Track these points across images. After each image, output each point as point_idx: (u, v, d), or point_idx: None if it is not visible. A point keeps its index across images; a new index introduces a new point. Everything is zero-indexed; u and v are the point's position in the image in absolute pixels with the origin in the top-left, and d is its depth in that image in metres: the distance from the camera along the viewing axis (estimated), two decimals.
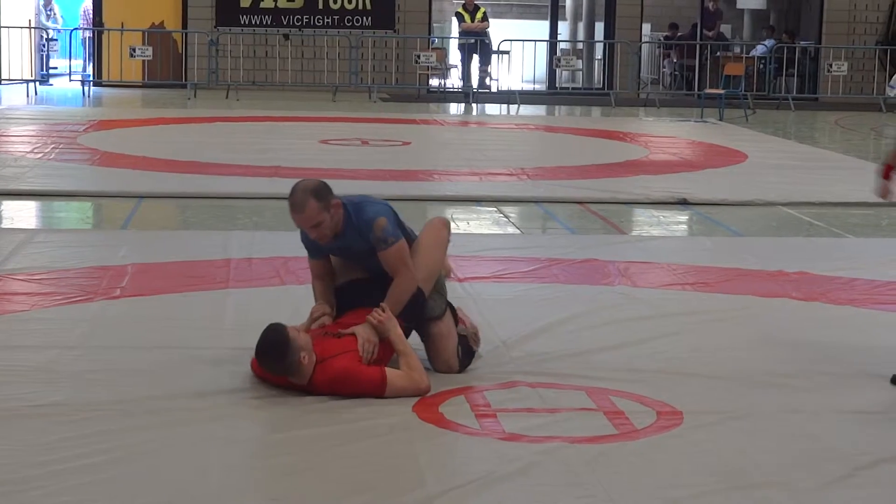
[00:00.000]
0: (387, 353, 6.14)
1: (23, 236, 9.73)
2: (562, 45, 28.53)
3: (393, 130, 18.34)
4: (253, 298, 7.90)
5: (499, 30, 27.09)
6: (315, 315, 6.33)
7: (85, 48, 27.82)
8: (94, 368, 6.35)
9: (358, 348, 6.03)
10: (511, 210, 11.95)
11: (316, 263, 6.49)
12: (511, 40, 25.94)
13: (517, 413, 5.80)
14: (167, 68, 25.70)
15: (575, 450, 5.33)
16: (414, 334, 6.42)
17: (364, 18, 26.18)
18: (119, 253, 9.13)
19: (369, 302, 6.24)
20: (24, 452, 5.15)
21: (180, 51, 26.03)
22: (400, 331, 6.16)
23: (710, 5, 28.16)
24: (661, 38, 29.96)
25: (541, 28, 28.69)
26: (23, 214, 11.56)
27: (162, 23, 26.18)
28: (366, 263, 6.39)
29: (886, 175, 6.66)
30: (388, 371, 6.00)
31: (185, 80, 25.39)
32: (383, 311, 6.14)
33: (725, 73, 24.22)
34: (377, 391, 5.92)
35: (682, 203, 12.35)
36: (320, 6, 26.08)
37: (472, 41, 25.96)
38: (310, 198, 6.13)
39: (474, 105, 24.40)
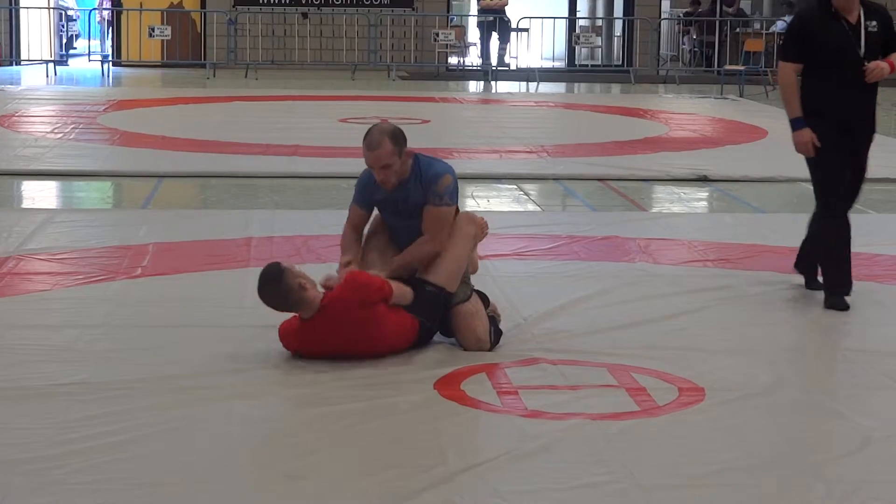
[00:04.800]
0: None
1: (44, 216, 9.75)
2: (581, 23, 28.45)
3: (412, 109, 18.32)
4: None
5: (517, 7, 27.02)
6: (342, 262, 6.44)
7: (102, 28, 27.83)
8: (117, 347, 6.38)
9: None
10: (531, 187, 11.94)
11: (357, 212, 6.56)
12: (530, 17, 25.88)
13: (539, 390, 5.80)
14: (186, 48, 25.71)
15: (597, 426, 5.33)
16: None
17: None
18: (140, 232, 9.15)
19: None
20: (47, 431, 5.17)
21: (199, 30, 26.04)
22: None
23: None
24: (681, 15, 29.83)
25: (560, 5, 28.58)
26: (43, 194, 11.59)
27: (181, 2, 26.19)
28: (412, 223, 6.40)
29: None
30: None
31: (204, 59, 25.40)
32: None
33: (745, 49, 24.14)
34: (385, 288, 6.12)
35: (703, 179, 12.32)
36: None
37: (491, 19, 25.91)
38: (385, 138, 6.30)
39: (493, 83, 24.36)
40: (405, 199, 6.40)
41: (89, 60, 26.01)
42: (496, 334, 6.44)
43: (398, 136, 6.35)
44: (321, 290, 6.17)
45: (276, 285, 6.06)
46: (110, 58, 25.71)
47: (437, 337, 6.45)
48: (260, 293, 6.13)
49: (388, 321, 6.16)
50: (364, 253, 6.54)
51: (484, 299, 6.59)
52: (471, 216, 6.62)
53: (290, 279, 6.04)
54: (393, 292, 6.18)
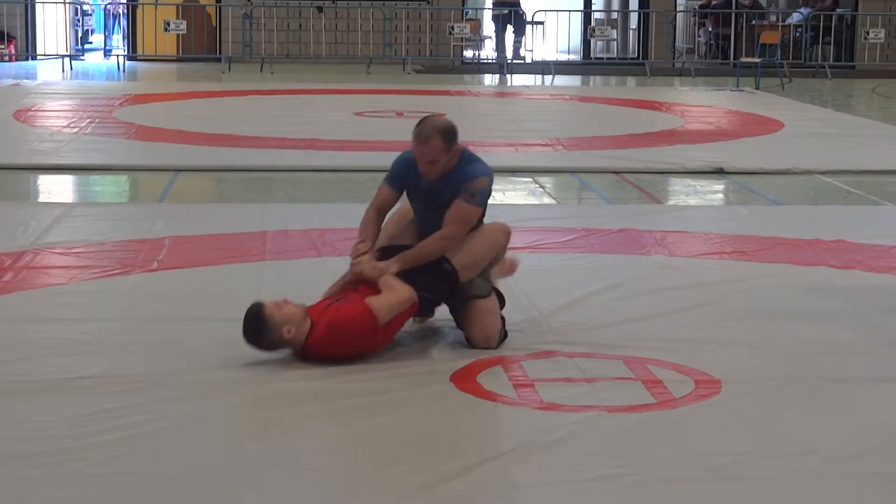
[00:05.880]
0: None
1: (60, 210, 9.77)
2: (596, 15, 28.41)
3: (427, 102, 18.30)
4: (289, 271, 7.91)
5: (533, 0, 27.00)
6: (356, 253, 6.31)
7: (108, 22, 27.79)
8: (133, 341, 6.38)
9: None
10: (546, 180, 11.93)
11: (387, 192, 6.44)
12: (545, 10, 25.85)
13: (555, 383, 5.80)
14: (201, 42, 25.72)
15: (613, 419, 5.32)
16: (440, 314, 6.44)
17: None
18: (156, 226, 9.16)
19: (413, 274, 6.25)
20: (63, 424, 5.18)
21: (214, 24, 26.05)
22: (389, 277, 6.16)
23: None
24: (697, 7, 29.78)
25: None
26: (60, 188, 11.62)
27: None
28: (440, 215, 6.29)
29: None
30: (369, 300, 6.02)
31: (220, 53, 25.42)
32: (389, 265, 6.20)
33: (761, 41, 24.06)
34: (370, 321, 5.95)
35: (719, 172, 12.30)
36: None
37: (506, 12, 25.88)
38: (437, 135, 6.20)
39: (509, 76, 24.33)
40: (440, 192, 6.29)
41: (105, 56, 26.03)
42: (503, 336, 6.41)
43: (449, 133, 6.25)
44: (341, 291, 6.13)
45: (258, 335, 5.96)
46: (114, 51, 25.68)
47: (453, 332, 6.44)
48: (245, 339, 6.02)
49: (385, 334, 6.11)
50: (386, 225, 6.44)
51: (501, 300, 6.55)
52: (505, 228, 6.50)
53: (271, 331, 5.92)
54: (378, 317, 5.98)
